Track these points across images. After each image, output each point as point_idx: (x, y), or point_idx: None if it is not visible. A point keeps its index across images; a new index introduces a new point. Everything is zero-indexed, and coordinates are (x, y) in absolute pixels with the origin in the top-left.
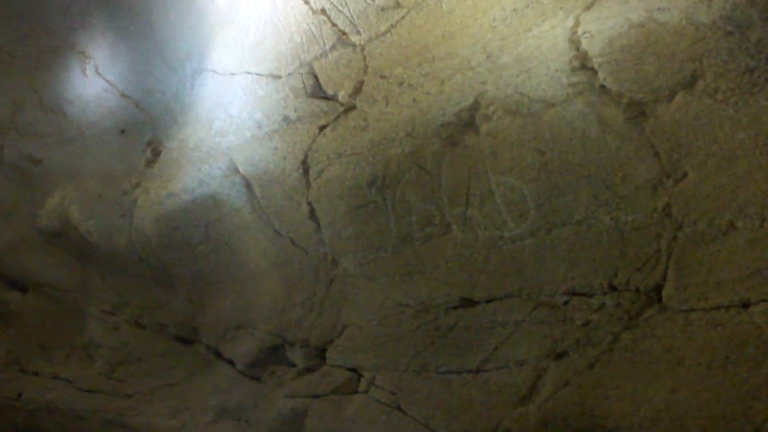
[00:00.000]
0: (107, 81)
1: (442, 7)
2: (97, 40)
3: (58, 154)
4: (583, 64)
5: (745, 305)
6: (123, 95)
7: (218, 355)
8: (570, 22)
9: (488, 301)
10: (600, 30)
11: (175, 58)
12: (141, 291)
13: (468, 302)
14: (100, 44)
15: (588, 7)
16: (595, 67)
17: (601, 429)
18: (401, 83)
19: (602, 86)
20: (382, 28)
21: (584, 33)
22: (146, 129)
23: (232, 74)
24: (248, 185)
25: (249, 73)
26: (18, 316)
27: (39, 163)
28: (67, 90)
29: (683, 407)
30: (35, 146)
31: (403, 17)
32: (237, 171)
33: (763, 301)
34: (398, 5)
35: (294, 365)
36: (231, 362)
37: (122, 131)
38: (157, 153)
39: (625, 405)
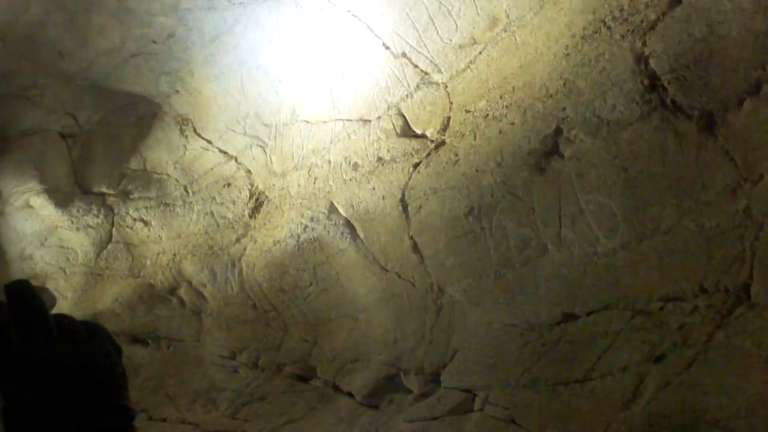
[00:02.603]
0: (206, 140)
1: (515, 39)
2: (192, 104)
3: (166, 214)
4: (653, 82)
5: None
6: (222, 152)
7: (336, 389)
8: (637, 43)
9: (588, 314)
10: (665, 48)
11: (268, 113)
12: (256, 335)
13: (570, 317)
14: (196, 107)
15: (652, 27)
16: (665, 84)
17: (702, 423)
18: (486, 116)
19: (673, 101)
20: (462, 65)
21: (651, 53)
22: (247, 182)
23: (324, 122)
24: (351, 226)
25: (339, 119)
26: (142, 367)
27: (149, 224)
28: (169, 152)
29: None
30: (144, 209)
31: (480, 52)
32: (339, 213)
33: None
34: (474, 42)
35: (410, 392)
36: (350, 394)
37: (225, 186)
38: (260, 203)
39: (722, 399)
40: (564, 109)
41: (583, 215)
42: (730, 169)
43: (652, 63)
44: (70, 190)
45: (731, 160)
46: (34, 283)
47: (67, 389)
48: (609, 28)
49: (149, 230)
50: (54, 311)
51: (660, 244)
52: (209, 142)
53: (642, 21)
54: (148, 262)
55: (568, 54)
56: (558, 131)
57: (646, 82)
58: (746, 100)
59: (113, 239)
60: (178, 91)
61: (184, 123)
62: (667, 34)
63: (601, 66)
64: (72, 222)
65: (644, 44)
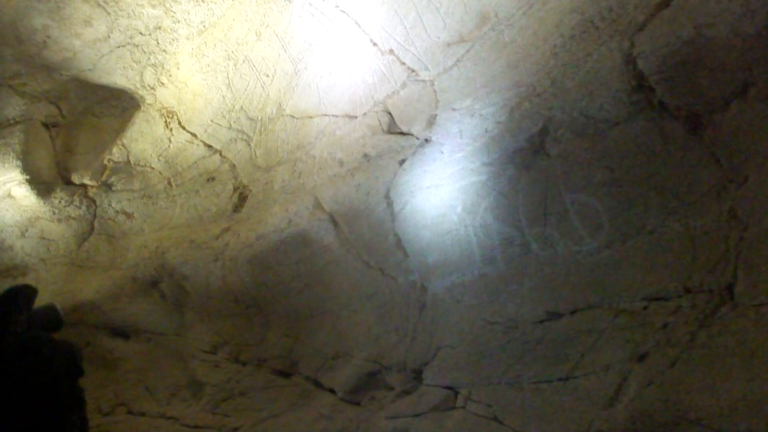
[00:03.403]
0: (191, 133)
1: (504, 38)
2: (178, 97)
3: (149, 206)
4: (640, 83)
5: None
6: (207, 146)
7: (318, 384)
8: (625, 44)
9: (572, 313)
10: (654, 49)
11: (254, 107)
12: (238, 329)
13: (553, 315)
14: (181, 100)
15: (641, 28)
16: (653, 84)
17: (684, 421)
18: (473, 114)
19: (661, 102)
20: (449, 63)
21: (640, 53)
22: (232, 176)
23: (310, 117)
24: (335, 222)
25: (326, 115)
26: (122, 361)
27: (131, 217)
28: (153, 144)
29: (758, 395)
30: (127, 201)
31: (467, 51)
32: (323, 209)
33: None
34: (462, 40)
35: (392, 388)
36: (331, 390)
37: (209, 179)
38: (244, 198)
39: (705, 397)
40: (551, 108)
41: (568, 214)
42: (715, 170)
43: (639, 64)
44: (53, 181)
45: (717, 162)
46: (14, 273)
47: (8, 405)
48: (597, 28)
49: (132, 222)
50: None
51: (645, 243)
52: (194, 135)
53: (630, 22)
54: (130, 254)
55: (556, 53)
56: (545, 130)
57: (633, 82)
58: (733, 102)
59: (95, 231)
60: (163, 84)
61: (169, 116)
62: (655, 35)
63: (589, 66)
64: (54, 213)
65: (632, 45)
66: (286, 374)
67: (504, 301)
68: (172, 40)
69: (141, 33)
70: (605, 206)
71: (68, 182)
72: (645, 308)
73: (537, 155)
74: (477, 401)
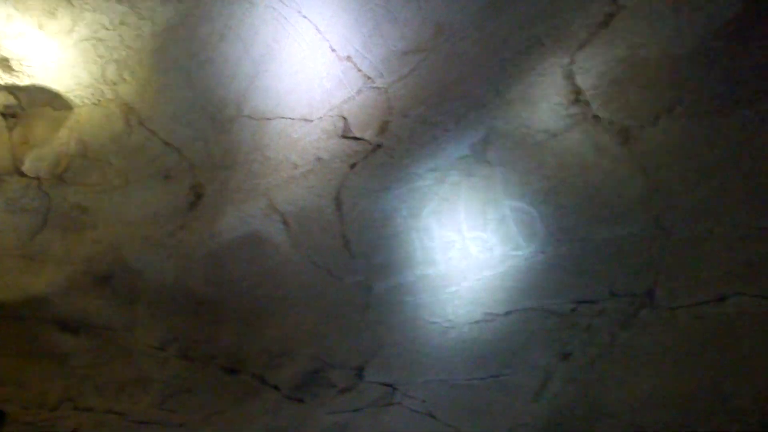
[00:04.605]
0: (150, 130)
1: (457, 49)
2: (140, 93)
3: (104, 201)
4: (577, 97)
5: (722, 299)
6: (165, 143)
7: (264, 381)
8: (566, 60)
9: (506, 314)
10: (591, 66)
11: (214, 107)
12: (188, 326)
13: (489, 315)
14: (143, 97)
15: (581, 46)
16: (589, 99)
17: (601, 415)
18: (423, 122)
19: (595, 116)
20: (405, 71)
21: (579, 69)
22: (189, 174)
23: (268, 119)
24: (286, 222)
25: (283, 117)
26: (71, 356)
27: (86, 211)
28: (112, 140)
29: (666, 389)
30: (82, 195)
31: (422, 60)
32: (275, 209)
33: (736, 294)
34: (418, 49)
35: (335, 385)
36: (276, 387)
37: (166, 177)
38: (199, 196)
39: (620, 392)
40: (495, 119)
41: (506, 220)
42: (643, 182)
43: (578, 79)
44: (7, 172)
45: (645, 173)
46: None
47: None
48: (543, 44)
49: (86, 217)
50: None
51: (576, 249)
52: (153, 132)
53: (573, 40)
54: (84, 249)
55: (503, 67)
56: (487, 139)
57: (571, 96)
58: (661, 117)
59: (49, 224)
60: (125, 80)
61: (129, 112)
62: (593, 53)
63: (532, 79)
64: (7, 204)
65: (572, 61)
66: (233, 371)
67: (443, 302)
68: (137, 36)
69: (106, 28)
70: (541, 214)
71: (23, 174)
72: (573, 310)
73: (479, 163)
74: (413, 397)
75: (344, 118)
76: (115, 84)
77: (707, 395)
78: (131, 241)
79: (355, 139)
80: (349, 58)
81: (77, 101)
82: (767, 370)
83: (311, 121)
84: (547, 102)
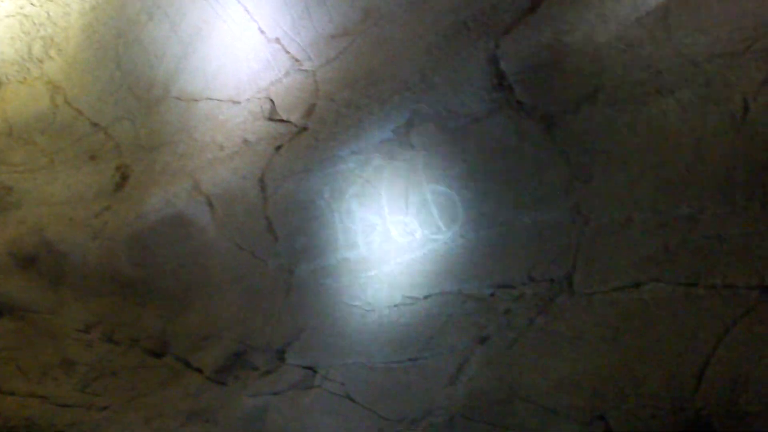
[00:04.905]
0: (76, 110)
1: (385, 33)
2: (66, 72)
3: (29, 181)
4: (501, 82)
5: (637, 285)
6: (92, 123)
7: (187, 364)
8: (491, 45)
9: (425, 298)
10: (516, 51)
11: (141, 87)
12: (113, 309)
13: (408, 299)
14: (69, 75)
15: (507, 32)
16: (512, 84)
17: (516, 398)
18: (349, 105)
19: (518, 101)
20: (332, 55)
21: (503, 54)
22: (115, 155)
23: (195, 101)
24: (211, 204)
25: (210, 99)
26: None
27: (10, 191)
28: (37, 119)
29: (580, 373)
30: (6, 175)
31: (350, 44)
32: (201, 191)
33: (653, 281)
34: (346, 33)
35: (257, 368)
36: (199, 370)
37: (92, 157)
38: (125, 177)
39: (535, 376)
40: (419, 102)
41: (427, 204)
42: (564, 168)
43: (502, 64)
44: None
45: (566, 160)
46: None
47: None
48: (469, 29)
49: (11, 197)
50: None
51: (496, 234)
52: (80, 112)
53: (499, 25)
54: (8, 230)
55: (429, 51)
56: (411, 122)
57: (495, 81)
58: (583, 104)
59: None
60: (52, 58)
61: (55, 91)
62: (518, 38)
63: (457, 63)
64: None
65: (497, 46)
66: (157, 354)
67: (363, 285)
68: (64, 14)
69: (32, 4)
70: (462, 198)
71: None
72: (492, 295)
73: (402, 146)
74: (332, 380)
75: (271, 101)
76: (41, 62)
77: (620, 380)
78: (56, 222)
79: (282, 121)
80: (277, 40)
81: (2, 78)
82: (680, 356)
83: (239, 102)
84: (470, 86)
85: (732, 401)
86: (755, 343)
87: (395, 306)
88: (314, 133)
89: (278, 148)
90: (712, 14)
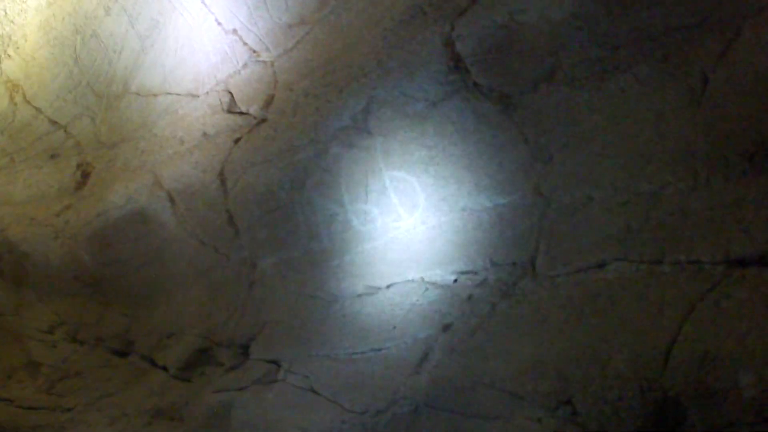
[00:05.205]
0: (35, 108)
1: (342, 21)
2: (24, 70)
3: None
4: (457, 64)
5: (601, 265)
6: (52, 121)
7: (152, 363)
8: (446, 28)
9: (388, 287)
10: (471, 32)
11: (101, 83)
12: (77, 308)
13: (371, 289)
14: (28, 73)
15: (461, 13)
16: (468, 66)
17: (480, 385)
18: (307, 94)
19: (475, 83)
20: (290, 45)
21: (458, 36)
22: (75, 152)
23: (155, 95)
24: (172, 199)
25: (169, 93)
26: None
27: None
28: None
29: (545, 356)
30: None
31: (307, 33)
32: (162, 186)
33: (617, 260)
34: (303, 22)
35: (222, 364)
36: (164, 368)
37: (52, 156)
38: (86, 175)
39: (499, 362)
40: (375, 88)
41: (387, 191)
42: (523, 150)
43: (457, 46)
44: None
45: (525, 141)
46: None
47: None
48: (425, 13)
49: None
50: None
51: (457, 219)
52: (39, 110)
53: (454, 7)
54: None
55: (385, 36)
56: (368, 108)
57: (450, 63)
58: (541, 84)
59: None
60: (10, 56)
61: (14, 89)
62: (473, 19)
63: (413, 47)
64: None
65: (452, 28)
66: (122, 353)
67: (326, 276)
68: (21, 11)
69: None
70: (422, 184)
71: None
72: (455, 281)
73: (360, 133)
74: (296, 373)
75: (230, 93)
76: None
77: (586, 362)
78: (18, 222)
79: (241, 113)
80: (234, 31)
81: None
82: (644, 335)
83: (197, 96)
84: (427, 70)
85: (700, 379)
86: (722, 319)
87: (358, 296)
88: (273, 124)
89: (237, 140)
90: None
